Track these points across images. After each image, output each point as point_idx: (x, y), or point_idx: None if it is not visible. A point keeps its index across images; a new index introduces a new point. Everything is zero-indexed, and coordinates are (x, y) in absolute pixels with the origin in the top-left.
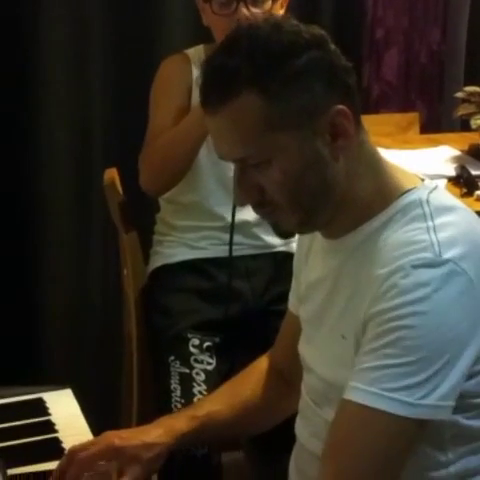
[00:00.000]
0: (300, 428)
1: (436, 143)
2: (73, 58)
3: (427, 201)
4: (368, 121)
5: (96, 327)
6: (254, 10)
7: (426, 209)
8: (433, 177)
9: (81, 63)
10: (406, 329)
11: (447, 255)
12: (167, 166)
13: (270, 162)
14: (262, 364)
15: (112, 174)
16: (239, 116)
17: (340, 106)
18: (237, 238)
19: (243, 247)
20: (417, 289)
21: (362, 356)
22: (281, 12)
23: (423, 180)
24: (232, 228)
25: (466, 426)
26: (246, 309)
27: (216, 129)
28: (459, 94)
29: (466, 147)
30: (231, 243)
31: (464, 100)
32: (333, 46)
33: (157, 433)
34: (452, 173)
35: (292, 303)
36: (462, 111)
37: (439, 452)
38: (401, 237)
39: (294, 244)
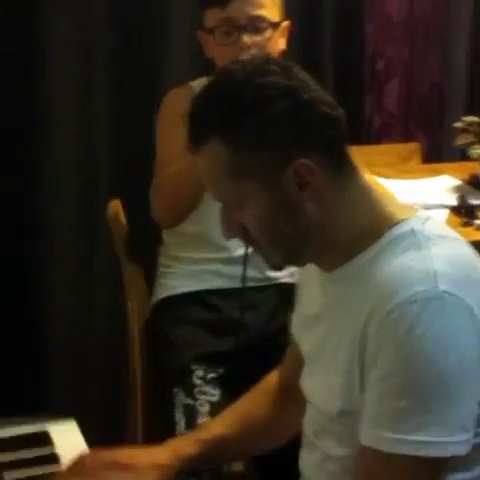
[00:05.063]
0: (304, 462)
1: (437, 173)
2: (77, 89)
3: (420, 231)
4: (370, 152)
5: (100, 358)
6: (255, 38)
7: (420, 238)
8: (434, 207)
9: (85, 94)
10: (410, 370)
11: (443, 286)
12: (180, 196)
13: (242, 207)
14: (271, 381)
15: (116, 206)
16: (208, 161)
17: (303, 160)
18: (241, 270)
19: (247, 279)
20: (416, 327)
21: (375, 401)
22: (282, 40)
23: (417, 211)
24: (245, 260)
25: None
26: (250, 340)
27: (199, 168)
28: (458, 124)
29: (467, 176)
30: (244, 275)
31: (463, 130)
32: (307, 95)
33: (165, 455)
34: (453, 203)
35: (293, 332)
36: (461, 141)
37: None
38: (396, 268)
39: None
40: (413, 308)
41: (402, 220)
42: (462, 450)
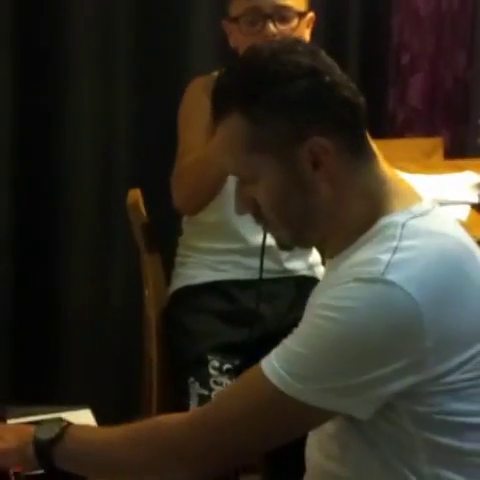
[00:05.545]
0: (310, 447)
1: (460, 169)
2: (98, 76)
3: (404, 224)
4: (392, 146)
5: (117, 347)
6: (281, 27)
7: (398, 231)
8: (456, 203)
9: (106, 82)
10: (317, 329)
11: (391, 276)
12: (202, 184)
13: (256, 181)
14: None
15: (136, 195)
16: (228, 134)
17: (319, 139)
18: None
19: (265, 270)
20: (346, 299)
21: (290, 336)
22: (307, 31)
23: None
24: (263, 251)
25: (441, 444)
26: (267, 332)
27: (219, 140)
28: None
29: None
30: (261, 266)
31: None
32: (329, 77)
33: None
34: (475, 200)
35: None
36: None
37: (414, 474)
38: (364, 255)
39: (316, 268)
40: (354, 283)
41: (395, 211)
42: (317, 403)
